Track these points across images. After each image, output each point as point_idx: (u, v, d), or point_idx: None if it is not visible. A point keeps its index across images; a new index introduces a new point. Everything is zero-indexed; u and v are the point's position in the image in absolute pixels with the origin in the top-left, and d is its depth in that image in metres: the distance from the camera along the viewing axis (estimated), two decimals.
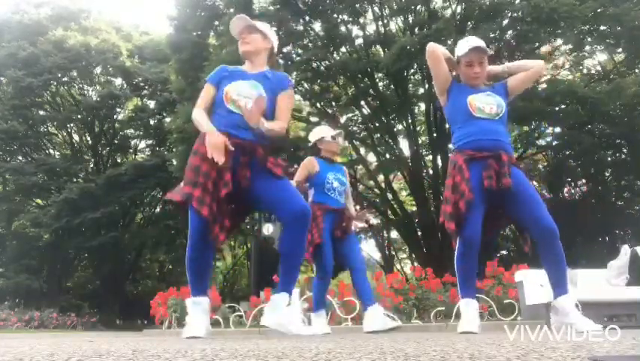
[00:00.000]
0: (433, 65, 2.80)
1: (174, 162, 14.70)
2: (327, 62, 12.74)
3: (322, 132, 3.80)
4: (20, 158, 21.05)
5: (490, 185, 2.55)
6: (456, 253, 2.68)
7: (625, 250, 4.63)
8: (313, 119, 15.56)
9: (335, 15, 12.31)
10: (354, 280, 3.59)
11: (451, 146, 2.83)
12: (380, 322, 3.33)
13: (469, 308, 2.69)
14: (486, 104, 2.71)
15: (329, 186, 3.57)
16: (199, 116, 2.47)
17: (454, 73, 2.87)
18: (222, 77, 2.53)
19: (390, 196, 15.25)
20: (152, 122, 21.10)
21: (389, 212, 15.10)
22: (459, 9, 12.06)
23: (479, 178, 2.59)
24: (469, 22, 11.39)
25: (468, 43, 2.78)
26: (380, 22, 13.29)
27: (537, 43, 11.88)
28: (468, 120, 2.71)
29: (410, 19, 12.61)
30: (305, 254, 2.51)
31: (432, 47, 2.79)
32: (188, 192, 2.28)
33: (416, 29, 12.09)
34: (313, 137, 3.81)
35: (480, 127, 2.67)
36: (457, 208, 2.57)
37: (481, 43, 2.79)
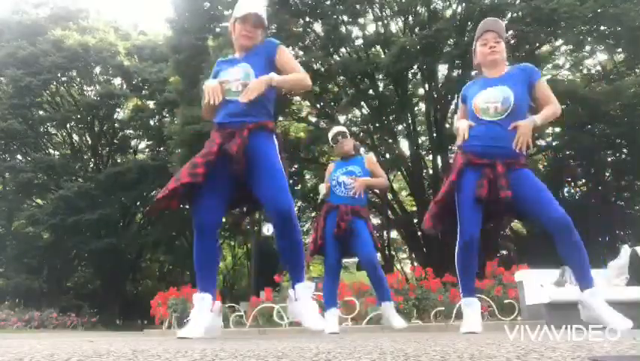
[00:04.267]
0: None
1: (173, 164, 14.66)
2: (327, 63, 12.73)
3: (329, 138, 3.89)
4: (19, 157, 21.03)
5: (480, 194, 2.55)
6: (455, 252, 2.68)
7: (625, 250, 4.63)
8: (313, 119, 15.55)
9: (335, 16, 12.30)
10: (368, 277, 3.63)
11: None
12: (393, 320, 3.49)
13: (471, 308, 2.68)
14: (491, 102, 2.64)
15: (334, 183, 3.67)
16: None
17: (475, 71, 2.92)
18: (217, 71, 2.59)
19: (390, 196, 15.25)
20: (152, 122, 21.10)
21: (389, 212, 15.10)
22: (459, 9, 12.06)
23: (474, 184, 2.60)
24: (469, 23, 11.39)
25: (482, 25, 2.80)
26: (380, 23, 13.28)
27: (537, 44, 11.88)
28: (474, 122, 2.71)
29: (410, 19, 12.61)
30: (302, 244, 2.40)
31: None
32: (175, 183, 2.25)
33: (416, 30, 12.09)
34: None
35: (482, 131, 2.64)
36: (435, 205, 2.73)
37: (495, 20, 2.81)
